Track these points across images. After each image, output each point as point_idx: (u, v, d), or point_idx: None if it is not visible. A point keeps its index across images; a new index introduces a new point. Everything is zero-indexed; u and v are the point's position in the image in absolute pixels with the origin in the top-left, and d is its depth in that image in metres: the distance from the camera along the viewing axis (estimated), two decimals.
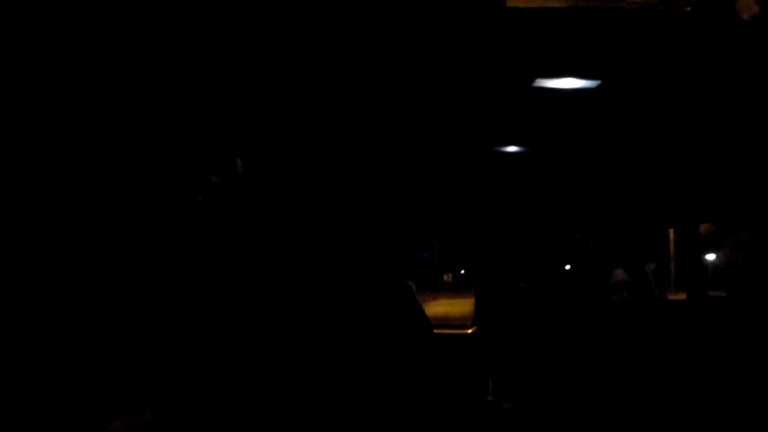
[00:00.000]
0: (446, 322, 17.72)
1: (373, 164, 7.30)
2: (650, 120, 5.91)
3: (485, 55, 4.70)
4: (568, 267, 8.50)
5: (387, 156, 7.19)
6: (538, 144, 6.73)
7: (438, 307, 24.75)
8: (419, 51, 4.64)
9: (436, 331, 4.81)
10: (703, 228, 6.57)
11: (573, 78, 5.02)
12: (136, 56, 3.70)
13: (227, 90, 5.07)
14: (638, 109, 5.70)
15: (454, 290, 45.76)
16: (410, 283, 4.91)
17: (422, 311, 4.67)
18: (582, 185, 7.10)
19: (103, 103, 3.34)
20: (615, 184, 6.94)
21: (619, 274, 4.24)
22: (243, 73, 4.92)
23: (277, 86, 5.35)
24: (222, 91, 5.04)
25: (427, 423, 4.27)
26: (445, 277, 51.41)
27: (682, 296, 6.26)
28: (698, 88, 5.16)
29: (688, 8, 3.66)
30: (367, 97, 5.62)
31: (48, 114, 2.97)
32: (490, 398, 6.20)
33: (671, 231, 22.92)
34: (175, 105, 4.17)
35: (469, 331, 7.07)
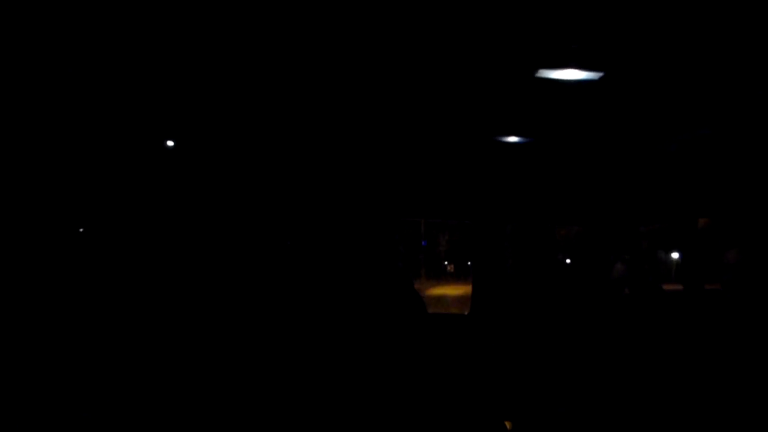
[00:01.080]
0: (443, 300, 22.05)
1: (376, 153, 7.32)
2: (652, 113, 5.89)
3: (488, 45, 4.69)
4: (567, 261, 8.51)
5: (390, 145, 7.20)
6: (538, 135, 6.72)
7: (438, 290, 28.55)
8: (423, 41, 4.64)
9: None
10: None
11: (576, 69, 5.01)
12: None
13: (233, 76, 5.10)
14: (640, 101, 5.69)
15: (455, 278, 47.38)
16: (420, 270, 5.01)
17: (417, 295, 4.76)
18: (582, 177, 7.10)
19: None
20: (616, 176, 6.93)
21: (620, 268, 4.30)
22: (246, 64, 4.94)
23: (283, 79, 5.39)
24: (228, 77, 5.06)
25: (417, 400, 4.32)
26: (449, 267, 52.09)
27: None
28: (702, 82, 5.15)
29: None
30: (372, 88, 5.64)
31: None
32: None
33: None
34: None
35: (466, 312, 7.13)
